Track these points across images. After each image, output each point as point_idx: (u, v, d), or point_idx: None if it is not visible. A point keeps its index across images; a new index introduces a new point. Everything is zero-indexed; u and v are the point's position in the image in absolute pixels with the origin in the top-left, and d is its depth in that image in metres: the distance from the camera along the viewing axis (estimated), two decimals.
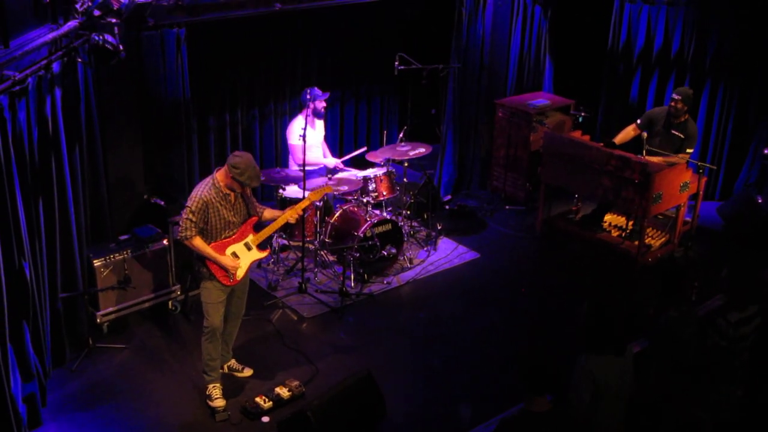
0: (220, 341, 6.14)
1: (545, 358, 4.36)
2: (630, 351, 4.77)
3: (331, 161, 8.56)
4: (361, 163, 8.79)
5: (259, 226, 6.16)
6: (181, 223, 5.79)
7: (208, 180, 5.85)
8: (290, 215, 6.20)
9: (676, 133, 8.40)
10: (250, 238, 6.05)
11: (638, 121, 8.70)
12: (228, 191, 5.83)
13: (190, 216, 5.73)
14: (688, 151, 8.40)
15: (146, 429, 5.92)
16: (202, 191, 5.77)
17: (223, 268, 5.89)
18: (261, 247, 6.14)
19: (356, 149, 9.10)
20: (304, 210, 7.58)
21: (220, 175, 5.82)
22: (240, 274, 6.00)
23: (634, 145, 8.66)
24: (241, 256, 6.01)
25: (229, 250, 5.94)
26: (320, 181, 7.85)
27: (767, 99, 9.48)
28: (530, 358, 4.39)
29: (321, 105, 8.17)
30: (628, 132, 8.72)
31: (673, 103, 8.36)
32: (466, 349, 7.01)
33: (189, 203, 5.76)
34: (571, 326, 5.27)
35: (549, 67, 10.44)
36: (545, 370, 4.27)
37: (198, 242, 5.79)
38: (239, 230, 6.00)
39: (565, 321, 7.18)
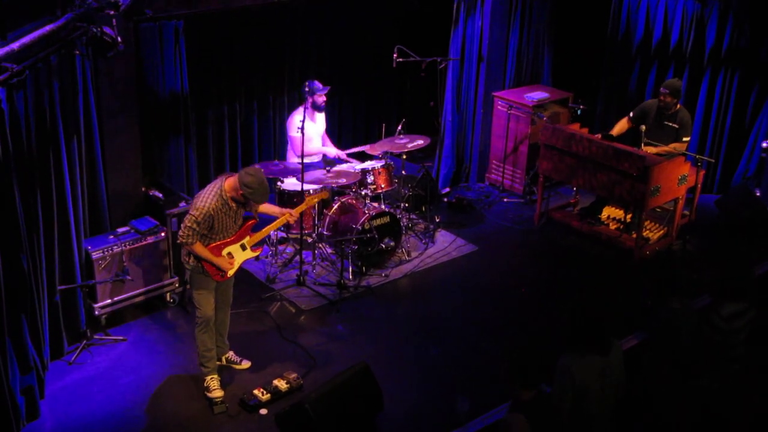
0: (214, 332, 6.16)
1: (535, 352, 4.37)
2: (617, 349, 4.73)
3: (332, 150, 8.56)
4: (359, 155, 8.78)
5: (256, 227, 6.23)
6: (183, 229, 5.77)
7: (215, 190, 5.80)
8: (288, 219, 6.33)
9: (670, 124, 8.43)
10: (246, 240, 6.12)
11: (631, 114, 8.74)
12: (233, 203, 5.85)
13: (194, 225, 5.73)
14: (685, 139, 8.42)
15: (144, 421, 5.93)
16: (209, 203, 5.74)
17: (217, 267, 5.93)
18: (255, 246, 6.22)
19: (353, 141, 9.10)
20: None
21: (228, 186, 5.80)
22: (231, 272, 6.08)
23: (632, 137, 8.67)
24: (236, 255, 6.08)
25: (225, 251, 5.99)
26: (318, 173, 7.85)
27: (766, 91, 9.48)
28: (521, 353, 4.39)
29: (320, 99, 8.17)
30: (623, 125, 8.75)
31: (662, 97, 8.40)
32: (463, 342, 7.02)
33: (195, 212, 5.72)
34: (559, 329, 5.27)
35: (547, 60, 10.43)
36: (536, 364, 4.29)
37: (198, 248, 5.81)
38: (237, 233, 6.05)
39: (562, 314, 7.19)
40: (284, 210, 6.39)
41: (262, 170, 5.94)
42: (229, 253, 6.02)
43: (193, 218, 5.73)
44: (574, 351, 4.52)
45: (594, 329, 4.52)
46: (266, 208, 6.28)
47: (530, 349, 4.41)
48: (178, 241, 5.89)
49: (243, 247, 6.11)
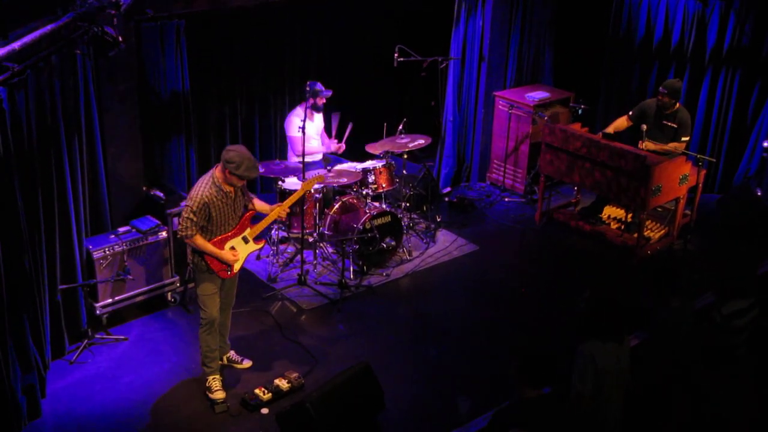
0: (217, 332, 6.16)
1: (544, 352, 4.39)
2: (627, 340, 4.81)
3: (332, 145, 8.57)
4: (360, 155, 8.78)
5: (255, 218, 6.20)
6: (181, 221, 5.78)
7: (207, 178, 5.81)
8: (283, 209, 6.24)
9: (669, 124, 8.43)
10: (247, 232, 6.09)
11: (630, 113, 8.73)
12: (228, 188, 5.82)
13: (191, 216, 5.72)
14: (684, 139, 8.42)
15: (145, 420, 5.93)
16: (202, 190, 5.73)
17: (222, 263, 5.91)
18: (257, 239, 6.19)
19: (353, 141, 9.09)
20: (303, 202, 7.63)
21: (218, 172, 5.79)
22: (237, 267, 6.04)
23: (632, 136, 8.67)
24: (239, 249, 6.04)
25: (228, 245, 5.96)
26: (320, 172, 7.85)
27: (767, 91, 9.47)
28: (529, 351, 4.42)
29: (321, 101, 8.19)
30: (621, 122, 8.76)
31: (660, 97, 8.40)
32: (464, 341, 7.02)
33: (190, 202, 5.74)
34: (570, 317, 5.31)
35: (548, 60, 10.43)
36: (545, 364, 4.31)
37: (199, 240, 5.80)
38: (238, 225, 6.02)
39: (563, 313, 7.20)
40: (273, 206, 6.33)
41: (244, 146, 5.86)
42: (233, 247, 6.00)
43: (189, 209, 5.72)
44: (595, 338, 4.61)
45: (613, 317, 4.64)
46: (259, 205, 6.26)
47: (538, 349, 4.45)
48: (178, 236, 5.89)
49: (245, 240, 6.09)
